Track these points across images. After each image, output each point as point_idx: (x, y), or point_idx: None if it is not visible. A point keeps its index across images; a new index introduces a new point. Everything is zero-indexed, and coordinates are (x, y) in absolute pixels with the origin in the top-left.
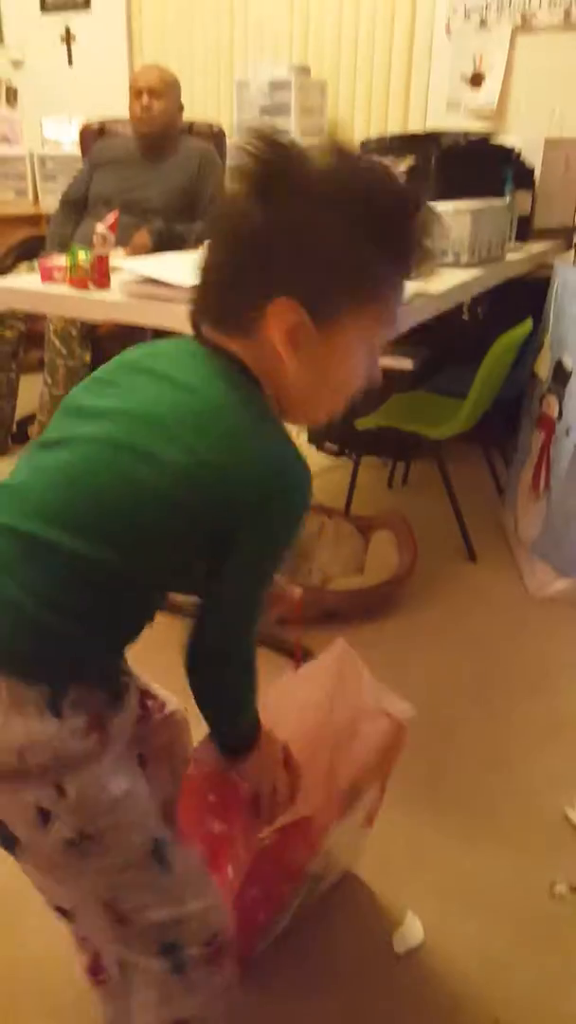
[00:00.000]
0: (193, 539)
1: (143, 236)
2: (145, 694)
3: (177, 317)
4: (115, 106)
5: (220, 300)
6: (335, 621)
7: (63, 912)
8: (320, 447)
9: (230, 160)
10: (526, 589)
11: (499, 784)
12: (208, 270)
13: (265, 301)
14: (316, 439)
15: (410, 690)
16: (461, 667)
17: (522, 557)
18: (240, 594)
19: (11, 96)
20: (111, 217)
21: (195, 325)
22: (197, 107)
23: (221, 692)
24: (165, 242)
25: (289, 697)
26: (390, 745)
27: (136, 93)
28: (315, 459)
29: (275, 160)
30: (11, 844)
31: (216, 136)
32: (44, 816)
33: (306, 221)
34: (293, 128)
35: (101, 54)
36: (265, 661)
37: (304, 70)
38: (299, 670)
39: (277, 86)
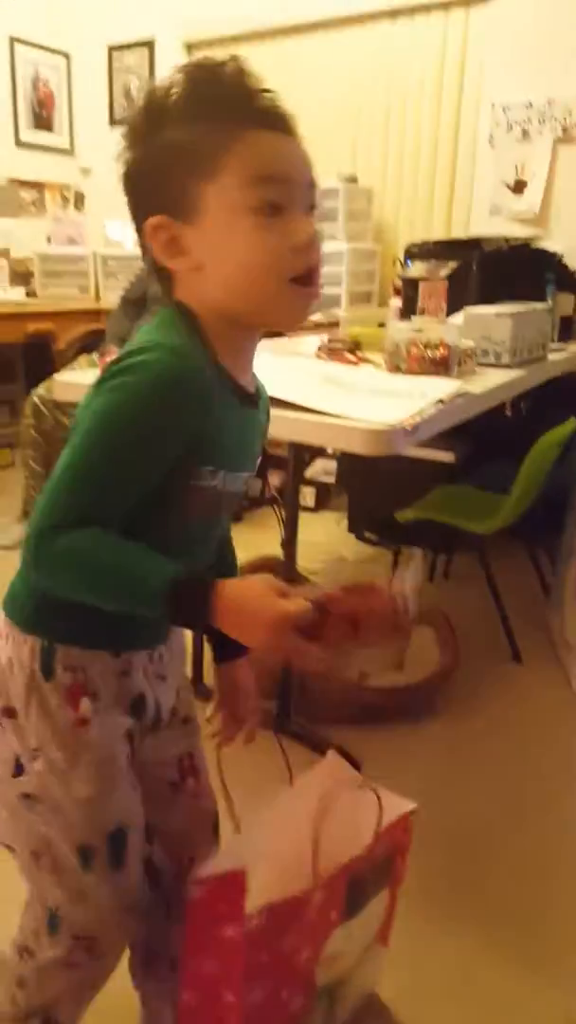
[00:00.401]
0: None
1: None
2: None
3: None
4: None
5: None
6: (373, 719)
7: (7, 846)
8: (360, 536)
9: None
10: (574, 692)
11: (545, 898)
12: None
13: (142, 235)
14: (356, 528)
15: (450, 794)
16: (504, 772)
17: (569, 659)
18: (61, 463)
19: (79, 201)
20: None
21: None
22: None
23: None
24: None
25: (278, 810)
26: (393, 839)
27: None
28: (354, 548)
29: (136, 114)
30: None
31: None
32: (19, 768)
33: (143, 143)
34: (341, 232)
35: None
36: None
37: (352, 179)
38: (292, 784)
39: (326, 193)
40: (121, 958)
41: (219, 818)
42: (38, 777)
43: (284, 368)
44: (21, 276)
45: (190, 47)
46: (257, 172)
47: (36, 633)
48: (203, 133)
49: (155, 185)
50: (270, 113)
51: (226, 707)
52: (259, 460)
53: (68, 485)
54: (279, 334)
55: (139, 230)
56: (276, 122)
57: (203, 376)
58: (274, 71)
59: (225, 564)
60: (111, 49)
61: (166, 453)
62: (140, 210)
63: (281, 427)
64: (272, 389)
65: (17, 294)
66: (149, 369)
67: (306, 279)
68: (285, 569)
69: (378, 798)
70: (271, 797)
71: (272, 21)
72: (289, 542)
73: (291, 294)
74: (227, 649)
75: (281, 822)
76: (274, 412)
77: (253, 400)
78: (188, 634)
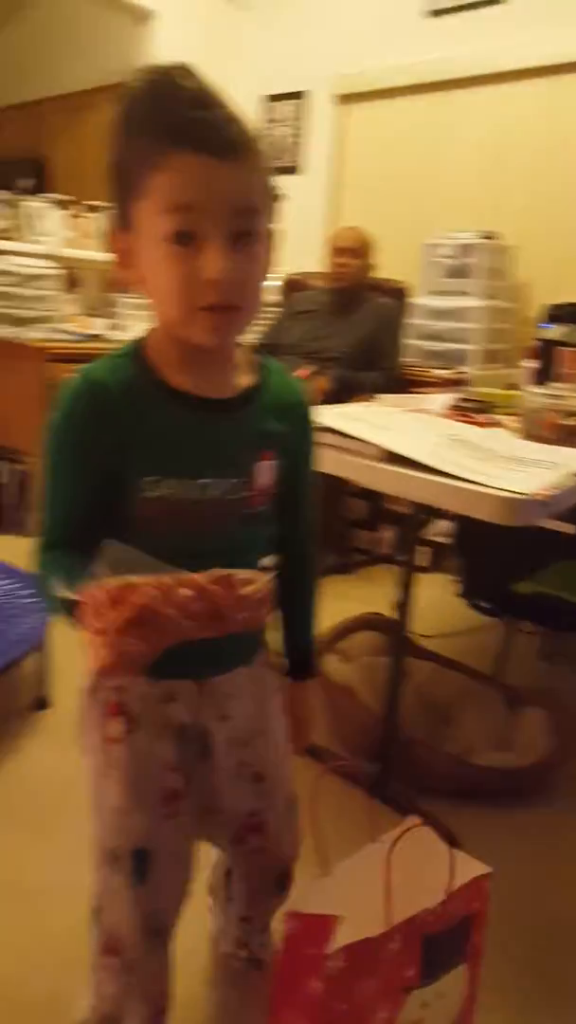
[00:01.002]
0: None
1: (324, 383)
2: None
3: (356, 469)
4: (310, 259)
5: None
6: (478, 798)
7: None
8: (472, 603)
9: None
10: None
11: None
12: None
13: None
14: (469, 594)
15: (548, 885)
16: None
17: None
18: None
19: None
20: (304, 370)
21: None
22: (386, 265)
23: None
24: (344, 389)
25: (357, 861)
26: (467, 902)
27: (336, 251)
28: (464, 616)
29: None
30: None
31: (401, 292)
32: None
33: (110, 146)
34: (476, 289)
35: (305, 212)
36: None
37: (491, 235)
38: (372, 844)
39: (464, 249)
40: (164, 992)
41: (290, 872)
42: (87, 773)
43: (412, 426)
44: None
45: (345, 98)
46: (171, 200)
47: None
48: (139, 150)
49: (111, 195)
50: (207, 136)
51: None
52: (257, 465)
53: (41, 511)
54: (402, 390)
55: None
56: (211, 145)
57: (106, 390)
58: (421, 125)
59: (297, 604)
60: (265, 99)
61: (89, 466)
62: (110, 221)
63: (407, 487)
64: (400, 447)
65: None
66: (61, 396)
67: (218, 308)
68: (395, 631)
69: (451, 855)
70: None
71: (424, 75)
72: (403, 603)
73: (202, 321)
74: (293, 669)
75: (360, 876)
76: (400, 471)
77: (227, 404)
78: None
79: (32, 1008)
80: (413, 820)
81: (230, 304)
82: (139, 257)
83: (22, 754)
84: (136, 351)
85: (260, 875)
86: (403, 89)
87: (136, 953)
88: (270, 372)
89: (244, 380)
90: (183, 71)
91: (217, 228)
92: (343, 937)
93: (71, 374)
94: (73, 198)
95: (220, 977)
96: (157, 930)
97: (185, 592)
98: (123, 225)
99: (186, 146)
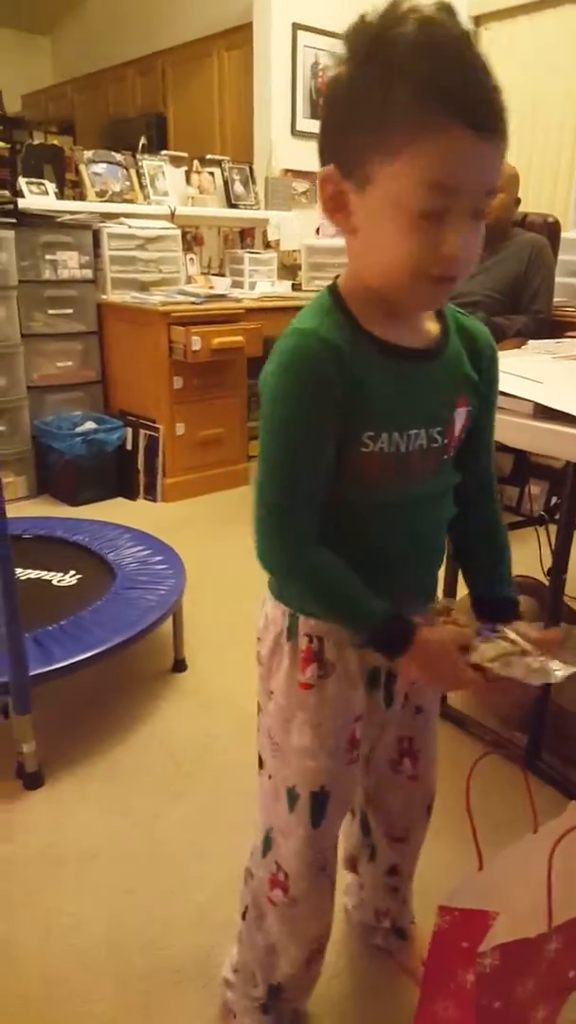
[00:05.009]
0: None
1: None
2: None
3: (503, 428)
4: None
5: None
6: None
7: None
8: None
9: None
10: None
11: None
12: None
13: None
14: None
15: None
16: None
17: None
18: (259, 451)
19: None
20: None
21: None
22: (533, 198)
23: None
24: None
25: (516, 856)
26: None
27: None
28: None
29: (357, 30)
30: (259, 709)
31: (550, 227)
32: (266, 701)
33: (345, 80)
34: None
35: None
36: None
37: None
38: (535, 832)
39: None
40: (324, 932)
41: (434, 801)
42: (271, 717)
43: (567, 376)
44: (288, 269)
45: (478, 19)
46: (432, 177)
47: (283, 602)
48: (402, 106)
49: (341, 128)
50: (480, 110)
51: None
52: (456, 411)
53: (267, 476)
54: (555, 334)
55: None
56: (483, 122)
57: (339, 349)
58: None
59: (489, 568)
60: None
61: (330, 427)
62: (325, 149)
63: (565, 445)
64: (555, 401)
65: (284, 287)
66: (290, 357)
67: (445, 278)
68: (551, 599)
69: None
70: (515, 836)
71: None
72: (558, 569)
73: (424, 289)
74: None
75: (518, 869)
76: (556, 428)
77: (428, 354)
78: None
79: (175, 970)
80: (574, 812)
81: (457, 275)
82: (361, 210)
83: (159, 716)
84: (339, 305)
85: (411, 801)
86: (542, 3)
87: (303, 887)
88: (451, 316)
89: (433, 327)
90: (452, 18)
91: (467, 208)
92: (499, 935)
93: (284, 334)
94: (187, 155)
95: (361, 950)
96: (323, 867)
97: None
98: (347, 172)
99: (459, 119)
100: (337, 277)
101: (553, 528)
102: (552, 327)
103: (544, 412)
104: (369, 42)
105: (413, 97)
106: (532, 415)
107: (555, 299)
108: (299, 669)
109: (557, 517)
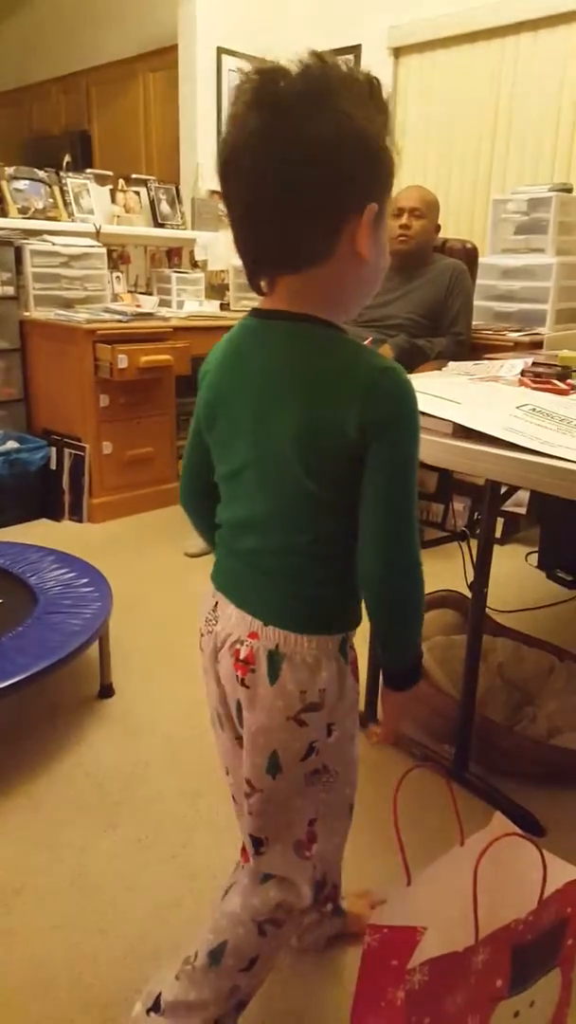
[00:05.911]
0: None
1: (386, 351)
2: None
3: (423, 446)
4: None
5: (287, 237)
6: (564, 782)
7: (255, 841)
8: (550, 575)
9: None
10: None
11: None
12: (261, 221)
13: (346, 214)
14: (547, 564)
15: None
16: None
17: None
18: (404, 501)
19: None
20: (366, 341)
21: (256, 286)
22: (451, 224)
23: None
24: (409, 357)
25: (443, 869)
26: (559, 908)
27: (397, 212)
28: (543, 589)
29: (267, 79)
30: (275, 772)
31: (469, 253)
32: (311, 750)
33: (357, 126)
34: (549, 245)
35: None
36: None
37: (566, 188)
38: (462, 844)
39: (536, 204)
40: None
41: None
42: (331, 748)
43: (485, 397)
44: (216, 289)
45: (398, 51)
46: (397, 205)
47: (339, 630)
48: (389, 153)
49: (370, 168)
50: None
51: None
52: None
53: (413, 504)
54: (473, 356)
55: (331, 207)
56: None
57: None
58: (483, 75)
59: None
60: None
61: None
62: (346, 187)
63: (481, 464)
64: (471, 421)
65: (212, 307)
66: (408, 391)
67: None
68: (473, 611)
69: (543, 859)
70: (446, 848)
71: (483, 21)
72: (480, 583)
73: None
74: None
75: (445, 882)
76: (473, 447)
77: None
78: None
79: (98, 1001)
80: (500, 823)
81: None
82: (375, 243)
83: (85, 744)
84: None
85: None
86: (461, 37)
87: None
88: None
89: None
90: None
91: None
92: (428, 950)
93: (381, 369)
94: (112, 173)
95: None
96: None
97: None
98: (362, 206)
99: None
100: (308, 315)
101: (475, 543)
102: (471, 349)
103: (462, 431)
104: (379, 89)
105: (385, 134)
106: (452, 434)
107: (473, 322)
108: (354, 678)
109: (479, 532)
